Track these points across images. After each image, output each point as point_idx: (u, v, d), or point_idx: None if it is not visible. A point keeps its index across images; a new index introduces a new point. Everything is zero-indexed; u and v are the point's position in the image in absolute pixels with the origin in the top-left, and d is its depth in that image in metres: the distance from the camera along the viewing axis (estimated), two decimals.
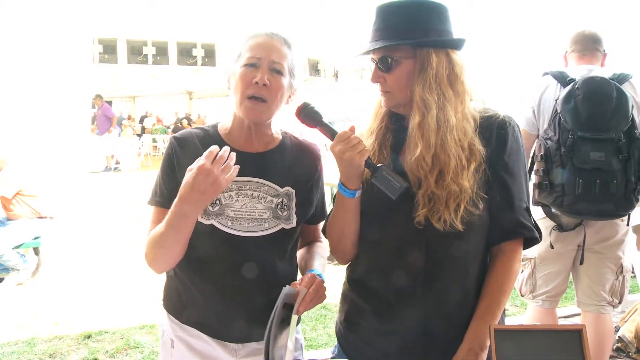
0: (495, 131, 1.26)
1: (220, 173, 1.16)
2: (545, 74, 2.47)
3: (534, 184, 2.29)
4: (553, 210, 2.33)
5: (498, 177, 1.24)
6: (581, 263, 2.39)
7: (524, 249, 1.29)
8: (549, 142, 2.22)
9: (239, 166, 1.21)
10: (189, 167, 1.18)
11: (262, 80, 1.30)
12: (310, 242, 1.55)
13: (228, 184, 1.19)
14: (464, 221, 1.18)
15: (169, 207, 1.26)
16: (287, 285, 1.28)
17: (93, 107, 12.13)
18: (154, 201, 1.40)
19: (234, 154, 1.19)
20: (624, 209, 2.19)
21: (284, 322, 1.25)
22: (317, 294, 1.28)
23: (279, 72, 1.33)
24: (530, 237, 1.27)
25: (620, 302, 2.52)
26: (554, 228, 2.36)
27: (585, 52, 2.52)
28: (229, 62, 1.40)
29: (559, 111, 2.20)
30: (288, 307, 1.26)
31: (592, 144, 2.11)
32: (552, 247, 2.38)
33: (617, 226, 2.40)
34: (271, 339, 1.17)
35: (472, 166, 1.21)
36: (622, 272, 2.46)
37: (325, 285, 1.32)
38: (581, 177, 2.10)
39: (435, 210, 1.19)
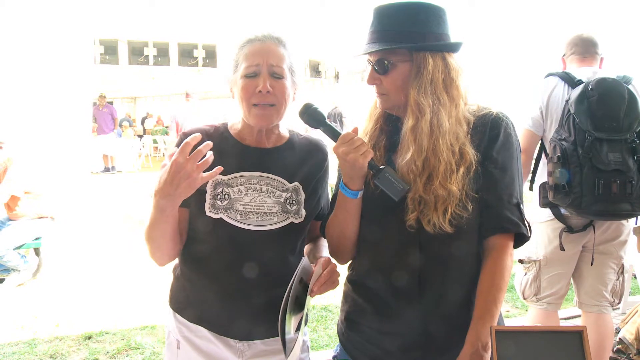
0: (488, 128, 1.26)
1: (194, 169, 1.13)
2: (549, 75, 2.49)
3: (549, 186, 2.29)
4: (563, 211, 2.34)
5: (487, 172, 1.24)
6: (592, 264, 2.42)
7: (515, 247, 1.28)
8: (564, 143, 2.20)
9: (221, 167, 1.19)
10: (163, 162, 1.18)
11: (265, 88, 1.30)
12: (317, 236, 1.55)
13: (204, 181, 1.17)
14: (453, 224, 1.19)
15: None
16: (305, 257, 1.29)
17: (98, 107, 12.18)
18: (153, 191, 1.41)
19: (210, 152, 1.16)
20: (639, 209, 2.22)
21: (297, 304, 1.25)
22: (331, 277, 1.28)
23: (280, 76, 1.34)
24: (518, 233, 1.26)
25: (619, 302, 2.55)
26: (565, 230, 2.37)
27: (586, 55, 2.55)
28: (229, 70, 1.40)
29: (572, 112, 2.20)
30: (303, 285, 1.26)
31: (608, 145, 2.13)
32: (562, 249, 2.38)
33: (623, 226, 2.45)
34: (287, 314, 1.18)
35: (462, 170, 1.21)
36: (622, 272, 2.50)
37: (338, 270, 1.32)
38: (601, 178, 2.11)
39: (425, 213, 1.20)
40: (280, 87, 1.33)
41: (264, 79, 1.31)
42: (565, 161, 2.18)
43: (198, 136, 1.16)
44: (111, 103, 16.83)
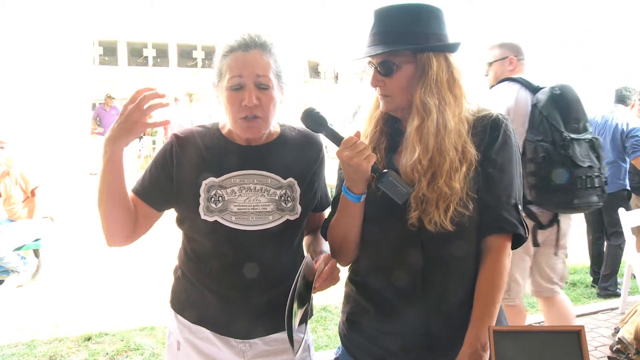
0: (488, 130, 1.27)
1: (142, 115, 1.21)
2: (508, 80, 2.65)
3: (531, 185, 2.43)
4: (534, 209, 2.51)
5: (486, 172, 1.25)
6: (556, 254, 2.63)
7: (513, 248, 1.28)
8: (544, 144, 2.39)
9: (168, 120, 1.30)
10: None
11: (251, 102, 1.29)
12: (315, 229, 1.54)
13: (147, 127, 1.23)
14: (454, 222, 1.20)
15: (143, 197, 1.35)
16: (308, 255, 1.30)
17: (104, 108, 12.18)
18: (132, 187, 1.41)
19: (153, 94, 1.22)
20: (602, 199, 2.48)
21: (300, 301, 1.25)
22: (332, 274, 1.29)
23: (266, 87, 1.31)
24: (514, 233, 1.26)
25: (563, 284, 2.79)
26: (537, 227, 2.55)
27: (525, 61, 2.80)
28: (213, 77, 1.38)
29: (545, 114, 2.41)
30: (305, 282, 1.27)
31: (577, 144, 2.37)
32: (537, 244, 2.57)
33: (570, 220, 2.69)
34: (292, 311, 1.18)
35: (464, 168, 1.22)
36: (566, 256, 2.73)
37: (339, 267, 1.32)
38: (581, 174, 2.34)
39: (426, 212, 1.21)
40: (266, 98, 1.31)
41: (249, 92, 1.29)
42: (550, 161, 2.36)
43: (155, 92, 1.23)
44: None
